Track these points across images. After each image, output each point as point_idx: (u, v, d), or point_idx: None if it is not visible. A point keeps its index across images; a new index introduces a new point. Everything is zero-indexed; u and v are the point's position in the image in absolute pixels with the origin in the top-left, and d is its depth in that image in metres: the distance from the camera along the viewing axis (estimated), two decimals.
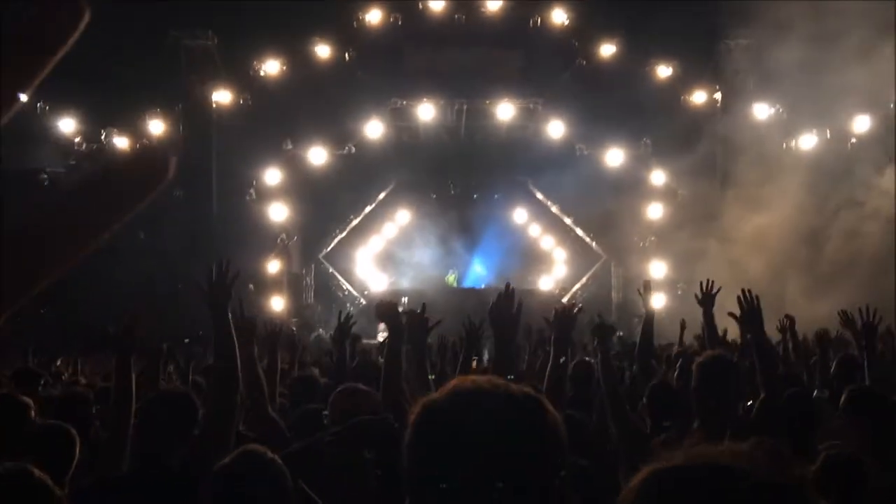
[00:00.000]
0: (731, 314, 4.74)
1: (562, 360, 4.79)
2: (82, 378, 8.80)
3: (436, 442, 1.53)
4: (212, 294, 4.20)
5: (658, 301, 16.68)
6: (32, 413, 4.40)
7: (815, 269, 18.07)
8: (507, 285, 4.18)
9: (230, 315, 4.24)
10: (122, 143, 20.05)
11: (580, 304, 5.11)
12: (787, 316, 7.29)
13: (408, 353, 4.76)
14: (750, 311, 4.62)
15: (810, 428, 4.48)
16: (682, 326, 9.55)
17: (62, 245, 0.74)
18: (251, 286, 18.50)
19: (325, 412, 4.42)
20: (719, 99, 21.13)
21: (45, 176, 19.56)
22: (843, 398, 4.56)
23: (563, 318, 4.84)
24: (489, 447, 1.49)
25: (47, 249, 0.73)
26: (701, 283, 5.50)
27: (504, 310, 4.11)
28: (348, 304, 21.24)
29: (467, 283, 22.88)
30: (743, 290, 4.66)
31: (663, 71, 20.80)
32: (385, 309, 4.77)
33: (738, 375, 4.23)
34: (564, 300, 21.07)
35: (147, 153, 0.96)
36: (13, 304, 0.74)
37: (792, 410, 4.47)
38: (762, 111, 20.52)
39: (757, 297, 4.67)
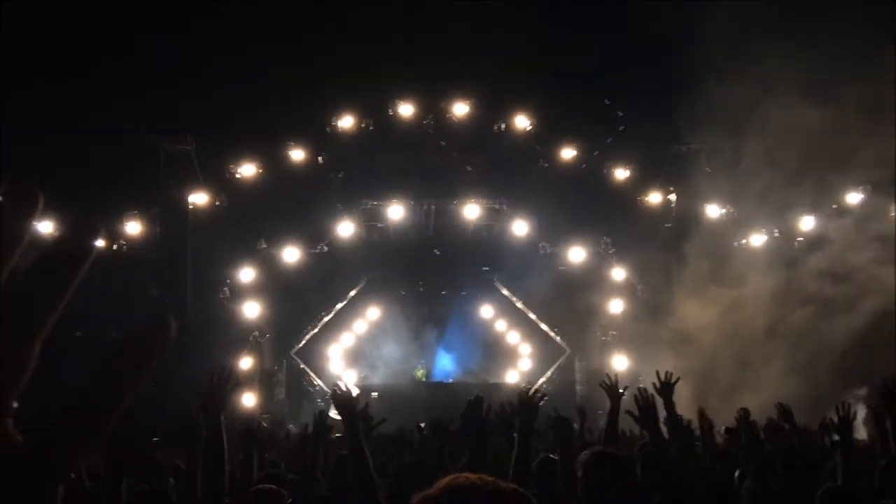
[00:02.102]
0: (627, 412, 4.93)
1: (526, 450, 4.53)
2: None
3: None
4: (207, 398, 4.39)
5: None
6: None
7: (765, 358, 18.28)
8: (476, 397, 4.56)
9: (222, 419, 4.40)
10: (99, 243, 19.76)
11: (544, 394, 4.90)
12: (741, 409, 6.84)
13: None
14: (644, 408, 4.81)
15: None
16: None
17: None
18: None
19: None
20: (674, 200, 21.41)
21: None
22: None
23: (526, 405, 4.63)
24: None
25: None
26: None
27: (473, 416, 4.48)
28: (318, 400, 20.97)
29: (436, 378, 22.67)
30: (637, 392, 4.94)
31: (621, 173, 21.17)
32: (341, 398, 4.48)
33: (630, 474, 3.96)
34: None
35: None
36: None
37: None
38: (714, 211, 20.84)
39: (652, 396, 4.97)
